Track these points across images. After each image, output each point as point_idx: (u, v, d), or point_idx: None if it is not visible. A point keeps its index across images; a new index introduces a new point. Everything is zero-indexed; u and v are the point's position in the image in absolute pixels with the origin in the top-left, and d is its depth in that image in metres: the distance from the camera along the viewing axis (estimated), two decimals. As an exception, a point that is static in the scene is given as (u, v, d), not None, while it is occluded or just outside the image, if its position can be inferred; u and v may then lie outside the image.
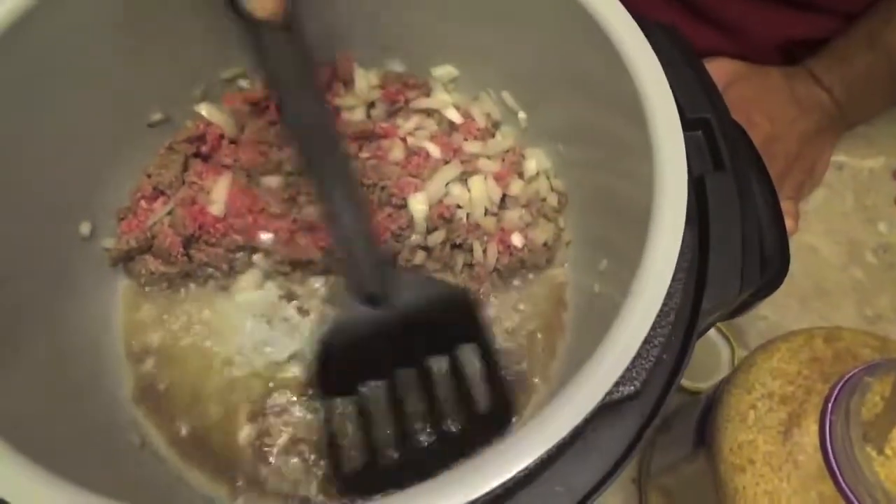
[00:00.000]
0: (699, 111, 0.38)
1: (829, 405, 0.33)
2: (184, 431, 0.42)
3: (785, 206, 0.58)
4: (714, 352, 0.57)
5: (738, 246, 0.34)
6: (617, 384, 0.29)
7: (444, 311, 0.40)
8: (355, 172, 0.37)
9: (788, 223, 0.57)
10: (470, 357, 0.40)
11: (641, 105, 0.34)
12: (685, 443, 0.43)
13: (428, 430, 0.39)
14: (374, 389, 0.39)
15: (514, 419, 0.39)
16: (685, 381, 0.55)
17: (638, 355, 0.29)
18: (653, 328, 0.30)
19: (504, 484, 0.27)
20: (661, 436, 0.50)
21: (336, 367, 0.39)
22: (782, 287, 0.59)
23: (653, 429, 0.31)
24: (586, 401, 0.27)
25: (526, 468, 0.27)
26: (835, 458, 0.32)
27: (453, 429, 0.39)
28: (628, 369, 0.29)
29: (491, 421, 0.39)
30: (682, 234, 0.30)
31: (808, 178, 0.62)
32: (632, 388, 0.30)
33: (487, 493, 0.26)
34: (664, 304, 0.30)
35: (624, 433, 0.30)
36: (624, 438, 0.30)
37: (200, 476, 0.41)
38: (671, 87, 0.36)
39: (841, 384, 0.34)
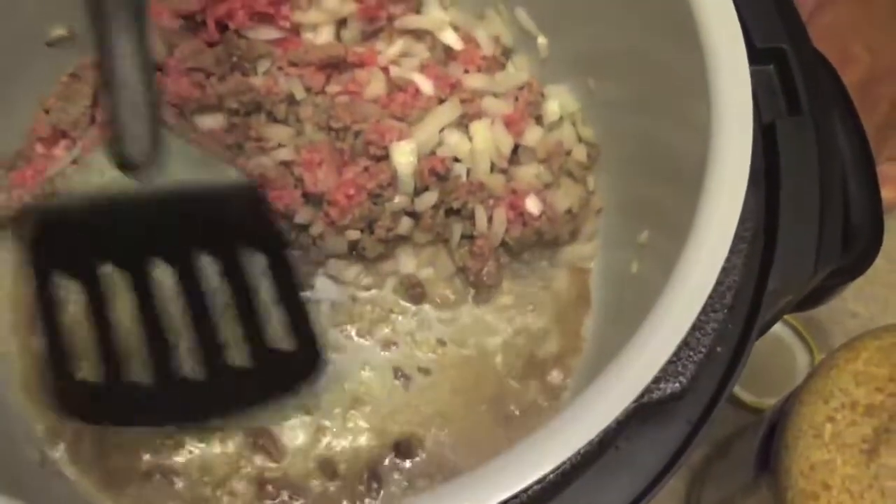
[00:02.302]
0: (772, 40, 0.41)
1: (926, 415, 0.37)
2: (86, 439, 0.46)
3: (887, 169, 0.61)
4: (788, 358, 0.60)
5: (815, 212, 0.37)
6: (657, 380, 0.32)
7: (224, 201, 0.43)
8: (145, 7, 0.39)
9: (889, 191, 0.60)
10: (258, 269, 0.43)
11: (696, 26, 0.37)
12: (745, 470, 0.47)
13: (197, 357, 0.41)
14: (116, 276, 0.41)
15: (322, 360, 0.42)
16: (749, 397, 0.59)
17: (684, 345, 0.33)
18: (704, 312, 0.33)
19: (516, 498, 0.30)
20: (716, 464, 0.54)
21: (63, 239, 0.41)
22: (880, 275, 0.63)
23: (701, 440, 0.34)
24: (618, 398, 0.31)
25: (541, 480, 0.30)
26: (929, 479, 0.36)
27: (232, 362, 0.41)
28: (672, 362, 0.33)
29: (288, 359, 0.42)
30: (743, 195, 0.34)
31: (919, 133, 0.65)
32: (676, 385, 0.33)
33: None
34: (719, 283, 0.34)
35: (665, 443, 0.34)
36: (665, 450, 0.34)
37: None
38: (739, 7, 0.40)
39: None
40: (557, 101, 0.52)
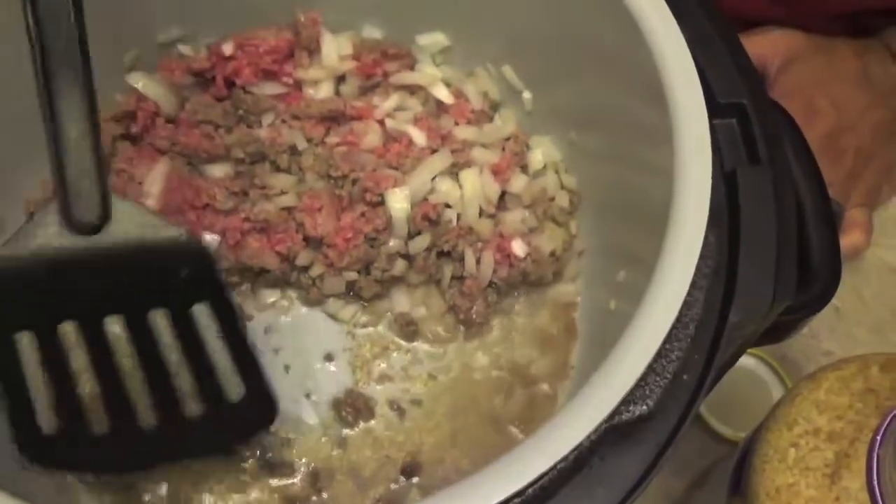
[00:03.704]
0: (733, 96, 0.45)
1: (879, 438, 0.41)
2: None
3: (854, 214, 0.66)
4: (765, 395, 0.64)
5: (772, 251, 0.41)
6: (627, 403, 0.36)
7: (169, 256, 0.45)
8: (91, 73, 0.41)
9: (857, 235, 0.65)
10: (208, 323, 0.44)
11: (661, 85, 0.41)
12: (721, 496, 0.50)
13: (151, 408, 0.42)
14: (71, 332, 0.42)
15: (274, 406, 0.43)
16: (729, 431, 0.62)
17: (651, 371, 0.36)
18: (668, 341, 0.37)
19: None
20: (696, 493, 0.57)
21: (19, 297, 0.42)
22: (851, 315, 0.67)
23: (668, 459, 0.37)
24: (590, 417, 0.34)
25: (521, 493, 0.33)
26: (882, 498, 0.39)
27: (188, 412, 0.42)
28: (640, 386, 0.36)
29: (242, 412, 0.43)
30: (702, 235, 0.38)
31: (884, 181, 0.70)
32: (644, 407, 0.36)
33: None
34: (682, 315, 0.37)
35: (636, 462, 0.37)
36: (636, 468, 0.37)
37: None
38: (703, 67, 0.44)
39: (893, 414, 0.41)
40: (541, 151, 0.56)
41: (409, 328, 0.54)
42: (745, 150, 0.44)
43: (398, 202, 0.52)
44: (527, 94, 0.57)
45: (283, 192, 0.53)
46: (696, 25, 0.45)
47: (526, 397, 0.52)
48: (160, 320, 0.45)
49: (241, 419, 0.44)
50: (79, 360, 0.43)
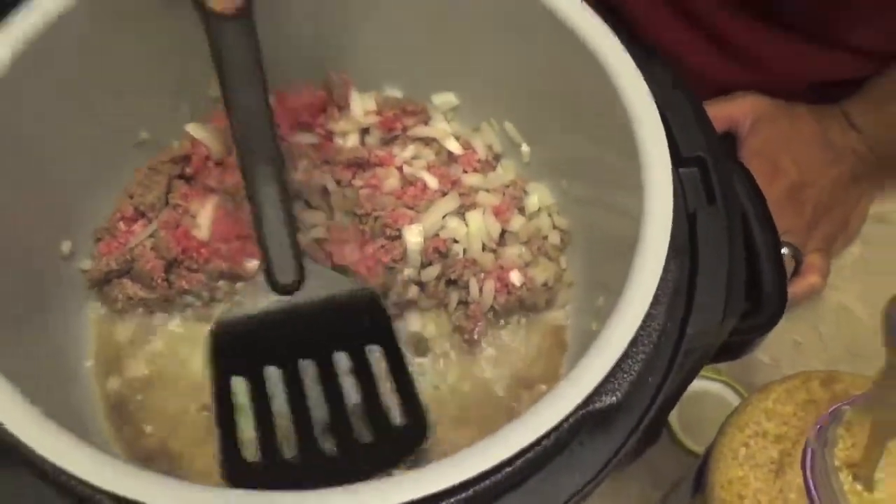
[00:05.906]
0: (695, 150, 0.54)
1: (812, 436, 0.49)
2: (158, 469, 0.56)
3: (813, 258, 0.74)
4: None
5: (723, 276, 0.49)
6: (599, 393, 0.44)
7: (350, 307, 0.54)
8: (284, 167, 0.51)
9: (815, 278, 0.73)
10: (379, 361, 0.53)
11: (635, 142, 0.50)
12: (687, 497, 0.58)
13: (332, 437, 0.50)
14: (273, 374, 0.52)
15: (428, 438, 0.51)
16: (698, 448, 0.70)
17: (619, 368, 0.45)
18: (634, 345, 0.45)
19: (487, 479, 0.41)
20: (670, 497, 0.65)
21: (234, 349, 0.52)
22: (811, 349, 0.75)
23: (632, 443, 0.45)
24: (567, 402, 0.42)
25: (510, 463, 0.41)
26: (814, 484, 0.47)
27: (361, 440, 0.51)
28: (609, 381, 0.44)
29: (402, 436, 0.51)
30: (663, 261, 0.46)
31: (841, 231, 0.78)
32: (613, 398, 0.44)
33: (468, 486, 0.40)
34: (646, 324, 0.46)
35: (608, 447, 0.45)
36: (608, 451, 0.45)
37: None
38: (671, 126, 0.53)
39: (824, 418, 0.49)
40: (537, 196, 0.64)
41: (420, 345, 0.62)
42: (704, 194, 0.53)
43: (413, 237, 0.60)
44: (525, 147, 0.65)
45: (314, 226, 0.61)
46: (665, 91, 0.54)
47: (529, 398, 0.59)
48: (342, 361, 0.54)
49: (402, 441, 0.52)
50: (278, 397, 0.52)
